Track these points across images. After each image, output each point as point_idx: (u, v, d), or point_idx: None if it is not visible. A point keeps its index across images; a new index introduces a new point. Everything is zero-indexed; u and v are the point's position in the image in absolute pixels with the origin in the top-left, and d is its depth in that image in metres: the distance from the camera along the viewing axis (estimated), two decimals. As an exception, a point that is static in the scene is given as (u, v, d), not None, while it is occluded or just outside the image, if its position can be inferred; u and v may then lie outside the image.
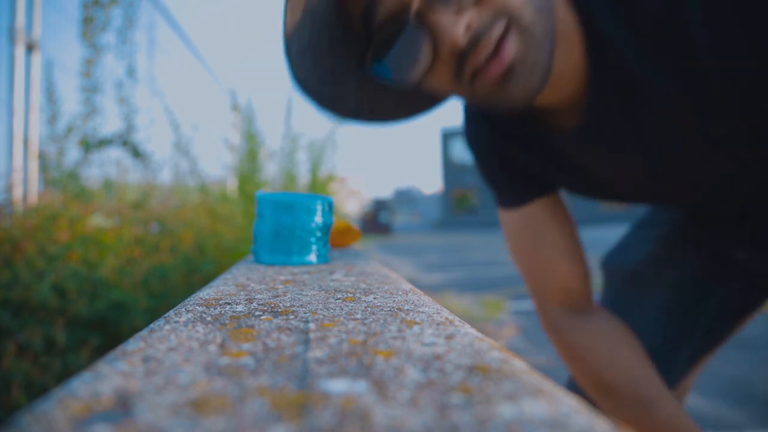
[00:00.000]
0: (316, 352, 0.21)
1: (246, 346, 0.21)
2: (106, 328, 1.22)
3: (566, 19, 0.45)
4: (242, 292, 0.35)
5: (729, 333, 0.69)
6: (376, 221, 15.42)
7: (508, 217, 0.67)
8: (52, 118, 1.83)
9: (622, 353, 0.60)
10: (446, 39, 0.40)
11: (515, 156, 0.62)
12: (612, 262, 0.78)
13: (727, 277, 0.66)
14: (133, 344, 0.21)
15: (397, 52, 0.43)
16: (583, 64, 0.47)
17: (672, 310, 0.68)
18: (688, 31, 0.40)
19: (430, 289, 4.14)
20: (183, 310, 0.29)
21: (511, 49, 0.41)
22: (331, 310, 0.29)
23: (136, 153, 2.10)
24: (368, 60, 0.45)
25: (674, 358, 0.67)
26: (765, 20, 0.37)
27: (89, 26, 1.90)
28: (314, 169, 4.13)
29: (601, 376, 0.59)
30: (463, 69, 0.43)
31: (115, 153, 2.15)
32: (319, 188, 4.15)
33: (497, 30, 0.41)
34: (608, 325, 0.63)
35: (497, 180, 0.66)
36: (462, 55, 0.42)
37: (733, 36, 0.39)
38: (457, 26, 0.40)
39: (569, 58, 0.46)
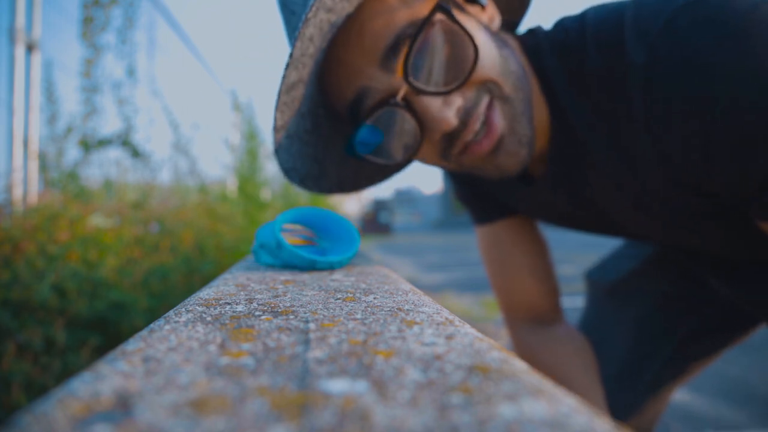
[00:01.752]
0: (316, 352, 0.21)
1: (246, 346, 0.21)
2: (106, 328, 1.22)
3: (534, 83, 0.47)
4: (242, 292, 0.35)
5: (696, 361, 0.70)
6: (376, 221, 15.40)
7: (480, 232, 0.71)
8: (52, 118, 1.83)
9: (566, 365, 0.63)
10: (438, 123, 0.41)
11: (484, 187, 0.65)
12: (596, 274, 0.80)
13: (702, 305, 0.67)
14: (133, 344, 0.21)
15: (385, 135, 0.44)
16: (547, 122, 0.48)
17: (645, 324, 0.70)
18: (630, 118, 0.42)
19: (430, 289, 4.14)
20: (183, 310, 0.29)
21: (500, 122, 0.42)
22: (331, 310, 0.29)
23: (136, 153, 2.10)
24: (354, 143, 0.45)
25: (641, 373, 0.68)
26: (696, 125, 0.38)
27: (89, 26, 1.90)
28: None
29: None
30: (450, 147, 0.44)
31: (114, 153, 2.16)
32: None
33: (483, 104, 0.42)
34: (562, 339, 0.66)
35: (467, 199, 0.69)
36: (452, 135, 0.43)
37: (671, 134, 0.40)
38: (448, 110, 0.40)
39: (539, 119, 0.48)
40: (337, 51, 0.42)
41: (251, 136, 3.17)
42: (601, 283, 0.77)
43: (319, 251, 0.55)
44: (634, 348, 0.69)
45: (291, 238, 0.54)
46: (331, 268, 0.47)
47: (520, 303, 0.69)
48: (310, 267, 0.47)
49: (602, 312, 0.76)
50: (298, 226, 0.56)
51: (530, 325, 0.69)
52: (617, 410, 0.67)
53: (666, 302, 0.69)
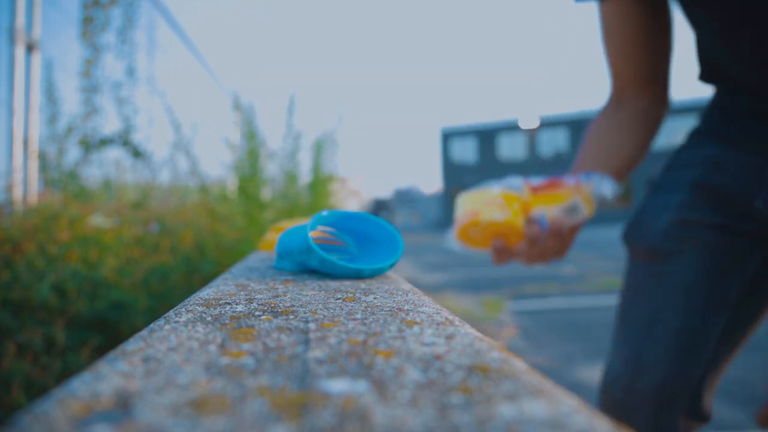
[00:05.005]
0: (316, 352, 0.21)
1: (246, 346, 0.21)
2: (106, 328, 1.22)
3: None
4: (242, 292, 0.35)
5: (751, 323, 0.66)
6: (376, 221, 15.36)
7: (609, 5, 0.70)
8: (52, 118, 1.84)
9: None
10: None
11: None
12: (632, 235, 0.74)
13: (754, 240, 0.63)
14: (133, 344, 0.21)
15: None
16: None
17: (694, 295, 0.64)
18: None
19: (430, 289, 4.14)
20: (183, 310, 0.29)
21: None
22: (331, 310, 0.29)
23: (137, 153, 2.10)
24: None
25: (699, 350, 0.64)
26: None
27: (89, 26, 1.90)
28: (315, 169, 4.13)
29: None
30: None
31: (114, 153, 2.16)
32: (319, 188, 4.15)
33: None
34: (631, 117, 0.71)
35: None
36: None
37: None
38: None
39: None
40: None
41: (251, 135, 3.17)
42: (639, 246, 0.71)
43: (349, 257, 0.54)
44: (686, 323, 0.64)
45: (316, 241, 0.53)
46: (373, 276, 0.45)
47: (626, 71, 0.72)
48: (352, 276, 0.45)
49: (645, 283, 0.69)
50: (320, 231, 0.54)
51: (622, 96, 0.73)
52: (681, 389, 0.63)
53: (711, 260, 0.64)
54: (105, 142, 1.96)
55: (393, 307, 0.30)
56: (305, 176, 4.14)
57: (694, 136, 0.70)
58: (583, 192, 0.60)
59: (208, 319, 0.27)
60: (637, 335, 0.67)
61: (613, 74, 0.74)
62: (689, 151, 0.69)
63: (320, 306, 0.30)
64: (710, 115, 0.68)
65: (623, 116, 0.73)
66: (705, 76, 0.67)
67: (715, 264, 0.64)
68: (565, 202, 0.60)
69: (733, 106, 0.65)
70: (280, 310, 0.29)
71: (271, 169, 3.67)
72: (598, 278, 4.62)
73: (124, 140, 2.04)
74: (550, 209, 0.60)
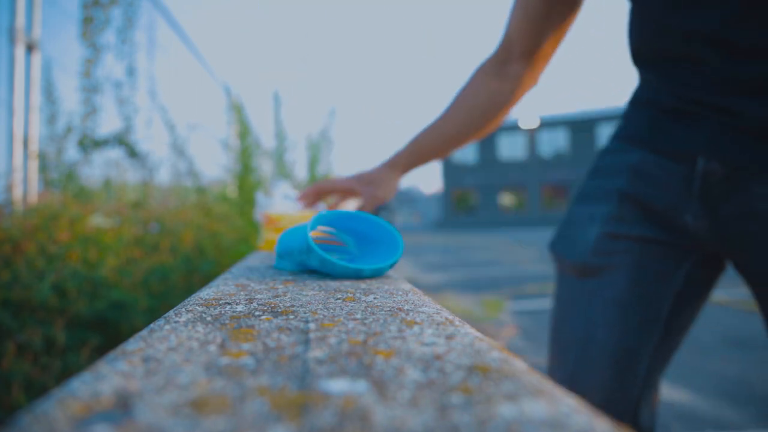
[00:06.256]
0: (316, 352, 0.21)
1: (246, 346, 0.21)
2: (106, 328, 1.22)
3: None
4: (242, 292, 0.35)
5: (689, 321, 0.65)
6: (376, 221, 15.35)
7: None
8: (51, 118, 1.84)
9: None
10: None
11: None
12: (560, 247, 0.71)
13: (682, 252, 0.61)
14: (133, 344, 0.21)
15: None
16: None
17: (628, 302, 0.63)
18: None
19: (430, 289, 4.15)
20: (183, 310, 0.29)
21: None
22: (331, 310, 0.29)
23: (133, 153, 2.10)
24: None
25: (636, 365, 0.63)
26: None
27: (89, 26, 1.90)
28: (312, 167, 4.13)
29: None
30: None
31: (114, 153, 2.16)
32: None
33: None
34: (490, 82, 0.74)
35: None
36: None
37: None
38: None
39: None
40: None
41: (243, 133, 3.16)
42: (568, 260, 0.69)
43: (349, 257, 0.53)
44: (620, 343, 0.63)
45: (316, 241, 0.53)
46: (373, 276, 0.45)
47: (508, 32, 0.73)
48: (352, 276, 0.44)
49: (577, 300, 0.67)
50: (320, 231, 0.54)
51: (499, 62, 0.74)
52: (621, 409, 0.62)
53: (641, 275, 0.63)
54: (101, 142, 1.96)
55: (393, 307, 0.30)
56: (302, 175, 4.13)
57: (619, 138, 0.66)
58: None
59: (208, 319, 0.27)
60: (571, 357, 0.65)
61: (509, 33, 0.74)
62: (615, 155, 0.65)
63: (320, 306, 0.30)
64: (632, 113, 0.64)
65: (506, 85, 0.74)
66: (636, 60, 0.63)
67: (645, 279, 0.63)
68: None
69: (653, 103, 0.61)
70: (280, 310, 0.29)
71: (266, 168, 3.67)
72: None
73: (120, 140, 2.04)
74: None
